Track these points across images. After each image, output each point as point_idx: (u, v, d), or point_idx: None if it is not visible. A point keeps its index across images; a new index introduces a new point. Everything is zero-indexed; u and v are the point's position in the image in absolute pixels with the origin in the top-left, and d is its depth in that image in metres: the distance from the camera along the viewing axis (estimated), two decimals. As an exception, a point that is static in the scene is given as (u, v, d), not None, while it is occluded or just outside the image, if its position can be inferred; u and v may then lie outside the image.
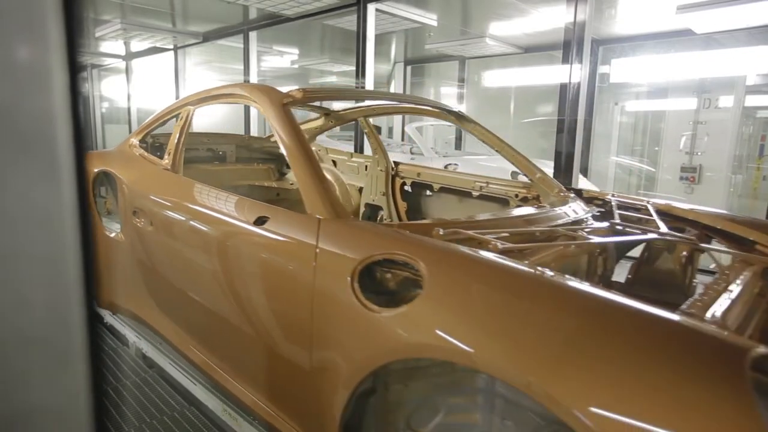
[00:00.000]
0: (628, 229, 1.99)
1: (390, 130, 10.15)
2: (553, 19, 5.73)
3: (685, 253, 2.02)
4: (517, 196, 2.75)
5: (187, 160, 3.36)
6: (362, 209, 3.65)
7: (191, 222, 2.19)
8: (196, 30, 7.56)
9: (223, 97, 2.66)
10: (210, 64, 10.08)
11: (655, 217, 2.17)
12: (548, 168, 4.94)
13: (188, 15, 7.02)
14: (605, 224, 2.06)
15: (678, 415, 0.89)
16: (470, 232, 1.61)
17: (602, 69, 6.71)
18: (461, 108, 8.90)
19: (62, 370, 0.58)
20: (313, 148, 3.67)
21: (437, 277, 1.27)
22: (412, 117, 9.51)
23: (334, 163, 3.83)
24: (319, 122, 3.47)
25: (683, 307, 1.34)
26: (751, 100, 7.68)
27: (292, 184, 3.60)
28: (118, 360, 3.18)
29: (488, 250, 1.48)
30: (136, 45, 8.75)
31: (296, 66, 9.78)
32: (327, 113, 3.42)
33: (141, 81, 10.08)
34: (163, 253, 2.44)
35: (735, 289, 1.52)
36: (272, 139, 3.77)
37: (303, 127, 3.60)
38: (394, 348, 1.27)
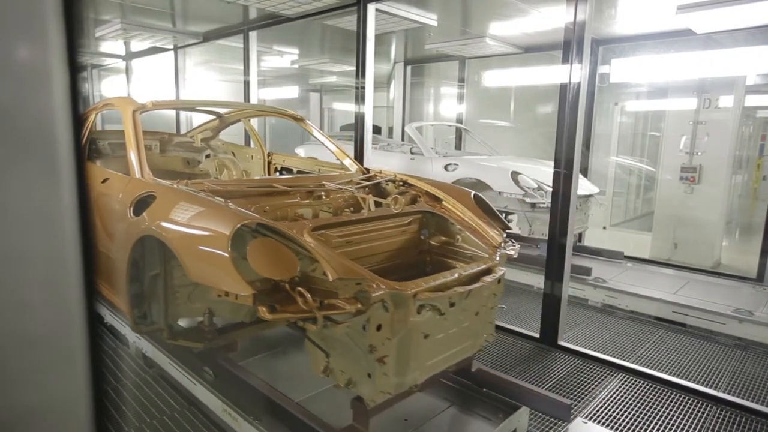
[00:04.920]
0: (348, 187, 3.13)
1: (390, 130, 10.14)
2: (553, 19, 5.73)
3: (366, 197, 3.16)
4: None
5: (118, 150, 4.33)
6: None
7: None
8: (196, 30, 7.56)
9: (106, 106, 3.85)
10: (210, 64, 10.07)
11: (379, 180, 3.42)
12: (548, 168, 4.94)
13: (188, 15, 7.01)
14: (349, 187, 3.14)
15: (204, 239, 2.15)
16: (209, 185, 2.75)
17: (602, 69, 6.70)
18: (462, 108, 8.90)
19: (62, 370, 0.58)
20: (219, 143, 4.83)
21: (160, 199, 2.52)
22: (411, 117, 9.58)
23: (234, 153, 4.86)
24: (216, 122, 4.67)
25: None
26: (751, 100, 7.68)
27: (201, 171, 4.47)
28: (118, 360, 3.18)
29: (203, 190, 2.63)
30: (136, 45, 8.73)
31: (296, 66, 9.77)
32: (219, 116, 4.63)
33: (141, 81, 10.06)
34: None
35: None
36: (188, 135, 4.79)
37: (205, 126, 4.71)
38: (140, 232, 2.47)
